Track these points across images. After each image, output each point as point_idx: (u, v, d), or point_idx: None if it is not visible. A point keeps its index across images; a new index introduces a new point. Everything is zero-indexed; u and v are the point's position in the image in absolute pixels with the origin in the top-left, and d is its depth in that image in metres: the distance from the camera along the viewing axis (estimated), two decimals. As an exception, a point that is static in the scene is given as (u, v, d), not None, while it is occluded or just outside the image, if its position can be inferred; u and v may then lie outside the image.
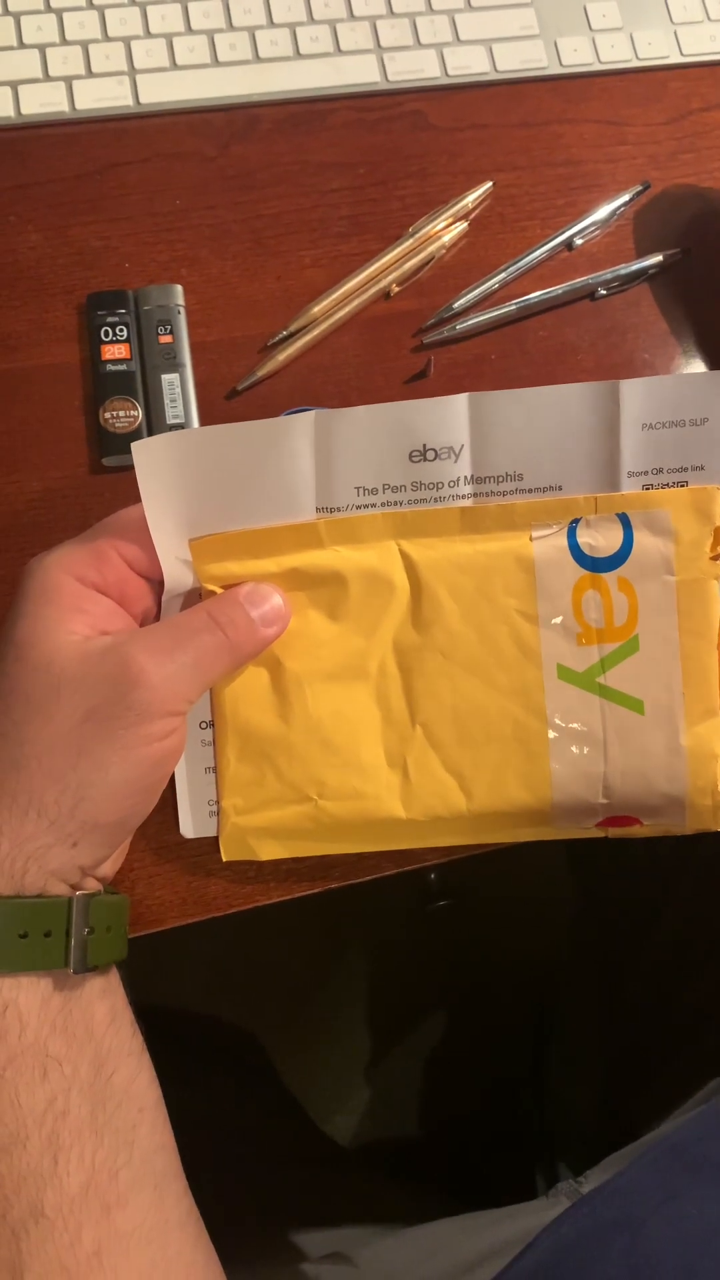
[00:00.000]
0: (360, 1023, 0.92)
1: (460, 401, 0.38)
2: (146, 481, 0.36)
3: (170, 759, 0.35)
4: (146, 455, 0.36)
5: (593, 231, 0.53)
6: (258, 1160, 0.63)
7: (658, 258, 0.52)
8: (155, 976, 0.78)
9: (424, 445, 0.38)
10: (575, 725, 0.40)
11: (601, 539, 0.39)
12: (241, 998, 0.87)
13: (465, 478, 0.39)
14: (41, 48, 0.53)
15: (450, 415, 0.38)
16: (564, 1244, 0.41)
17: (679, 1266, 0.37)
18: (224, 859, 0.41)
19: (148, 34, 0.53)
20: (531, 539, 0.39)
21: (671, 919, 0.72)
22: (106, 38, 0.53)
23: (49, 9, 0.53)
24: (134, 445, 0.36)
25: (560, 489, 0.39)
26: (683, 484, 0.39)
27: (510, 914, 0.90)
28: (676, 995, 0.70)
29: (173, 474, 0.37)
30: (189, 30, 0.54)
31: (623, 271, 0.52)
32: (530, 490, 0.39)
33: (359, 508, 0.39)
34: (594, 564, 0.39)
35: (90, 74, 0.53)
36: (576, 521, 0.39)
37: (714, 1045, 0.63)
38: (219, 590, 0.38)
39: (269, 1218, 0.59)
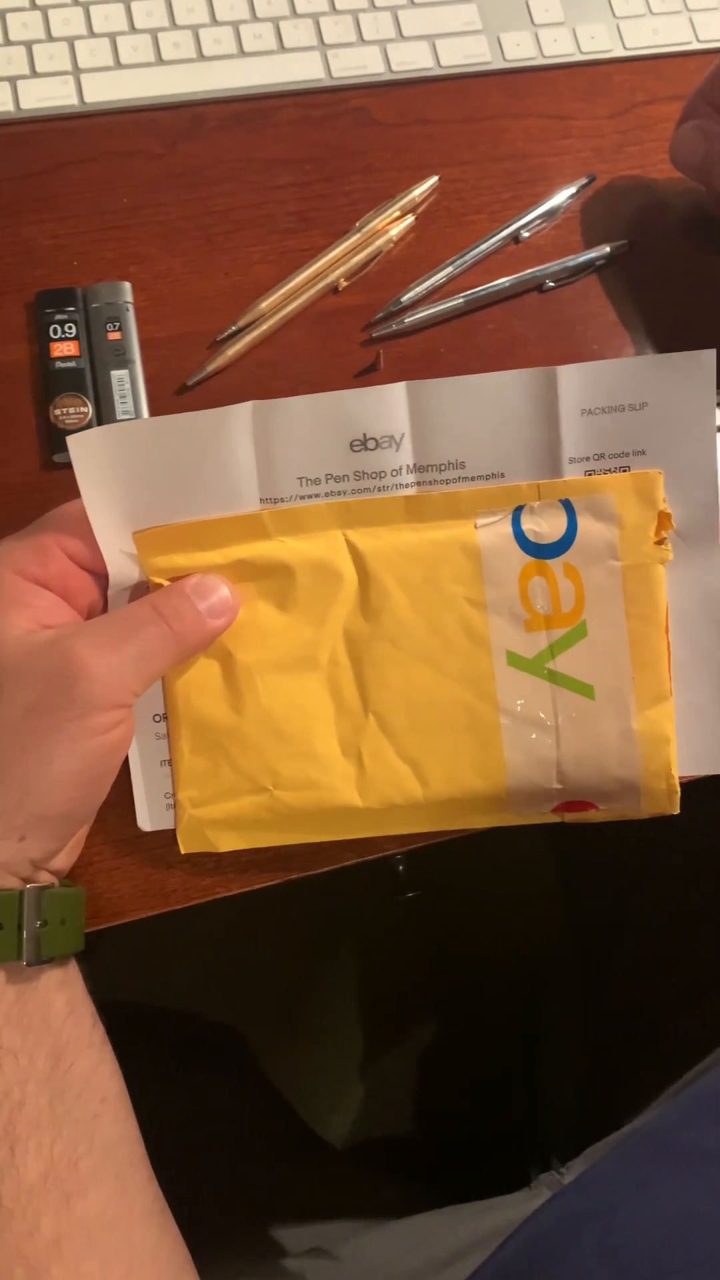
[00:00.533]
0: (350, 1019, 0.92)
1: (398, 390, 0.38)
2: (85, 475, 0.36)
3: (117, 751, 0.35)
4: (83, 449, 0.36)
5: (539, 224, 0.53)
6: (245, 1156, 0.63)
7: (605, 249, 0.53)
8: (145, 975, 0.78)
9: (364, 434, 0.38)
10: (527, 711, 0.40)
11: (546, 525, 0.39)
12: (230, 996, 0.87)
13: (407, 466, 0.39)
14: (-14, 48, 0.53)
15: (389, 404, 0.38)
16: (540, 1234, 0.41)
17: (649, 1254, 0.37)
18: (182, 851, 0.41)
19: (91, 34, 0.53)
20: (476, 527, 0.40)
21: (647, 909, 0.73)
22: (50, 38, 0.53)
23: (-8, 10, 0.53)
24: (69, 440, 0.36)
25: (503, 476, 0.39)
26: (625, 469, 0.39)
27: (496, 907, 0.90)
28: (655, 983, 0.71)
29: (111, 467, 0.37)
30: (132, 29, 0.54)
31: (570, 263, 0.52)
32: (473, 478, 0.39)
33: (303, 498, 0.39)
34: (539, 550, 0.40)
35: (35, 74, 0.53)
36: (520, 508, 0.39)
37: (692, 1032, 0.64)
38: (165, 583, 0.38)
39: (254, 1213, 0.59)
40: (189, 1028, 0.77)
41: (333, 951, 0.93)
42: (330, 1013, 0.92)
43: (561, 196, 0.54)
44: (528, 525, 0.40)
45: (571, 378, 0.38)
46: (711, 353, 0.38)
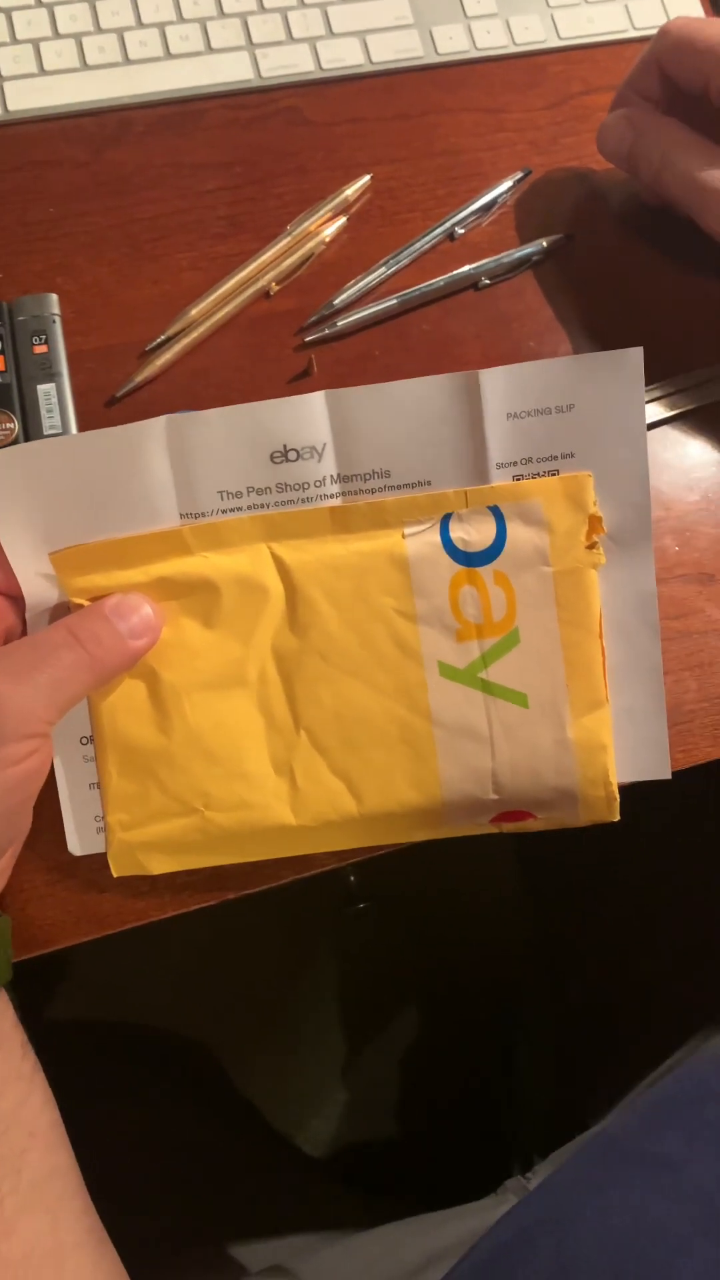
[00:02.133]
0: (328, 1023, 0.92)
1: (317, 400, 0.37)
2: None
3: (30, 781, 0.35)
4: None
5: (474, 220, 0.52)
6: (209, 1171, 0.63)
7: (541, 244, 0.52)
8: (117, 983, 0.78)
9: (284, 446, 0.37)
10: (461, 723, 0.39)
11: (474, 533, 0.39)
12: (207, 1001, 0.87)
13: (331, 477, 0.38)
14: None
15: (308, 414, 0.37)
16: (499, 1245, 0.40)
17: (603, 1264, 0.37)
18: (114, 875, 0.40)
19: (13, 40, 0.52)
20: (404, 536, 0.39)
21: (610, 906, 0.72)
22: (-29, 45, 0.52)
23: None
24: (-25, 463, 0.35)
25: (429, 484, 0.38)
26: (554, 473, 0.39)
27: (467, 909, 0.90)
28: (618, 980, 0.70)
29: (23, 488, 0.36)
30: (56, 35, 0.53)
31: (505, 260, 0.51)
32: (399, 487, 0.38)
33: (224, 512, 0.38)
34: (468, 559, 0.39)
35: (-44, 83, 0.52)
36: (449, 516, 0.39)
37: (657, 1027, 0.63)
38: (86, 603, 0.37)
39: (215, 1230, 0.58)
40: (161, 1036, 0.76)
41: (309, 956, 0.92)
42: (306, 1017, 0.92)
43: (496, 191, 0.53)
44: (456, 533, 0.39)
45: (495, 381, 0.37)
46: (639, 351, 0.37)
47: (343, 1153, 0.86)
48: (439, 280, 0.50)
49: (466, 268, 0.51)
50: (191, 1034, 0.79)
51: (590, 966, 0.75)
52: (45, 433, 0.46)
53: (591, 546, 0.39)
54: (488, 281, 0.51)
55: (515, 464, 0.38)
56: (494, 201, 0.53)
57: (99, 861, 0.41)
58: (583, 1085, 0.72)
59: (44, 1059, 0.39)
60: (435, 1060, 0.90)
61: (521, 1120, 0.81)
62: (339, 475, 0.38)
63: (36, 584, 0.37)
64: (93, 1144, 0.40)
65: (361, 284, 0.50)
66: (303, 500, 0.38)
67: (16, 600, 0.37)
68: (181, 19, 0.54)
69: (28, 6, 0.53)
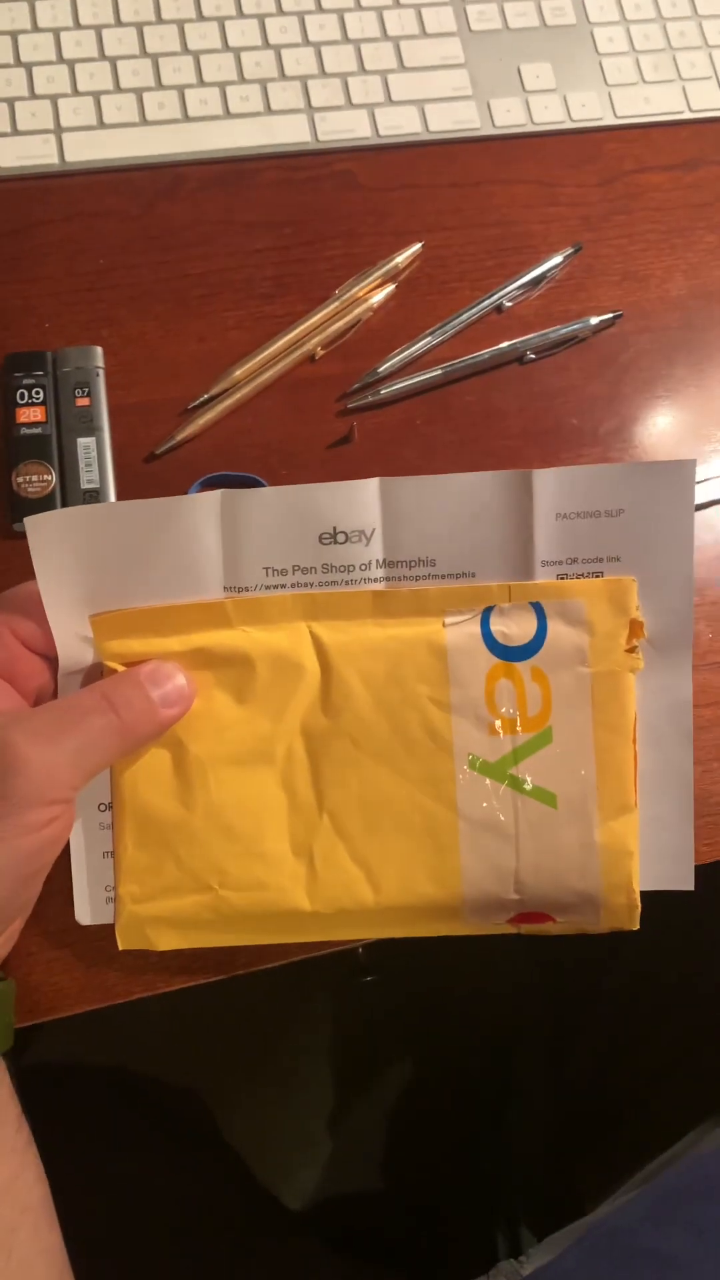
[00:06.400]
0: (322, 1077, 0.90)
1: (371, 486, 0.37)
2: (41, 557, 0.35)
3: (50, 847, 0.34)
4: (40, 531, 0.35)
5: (523, 294, 0.52)
6: (200, 1233, 0.61)
7: (589, 321, 0.52)
8: (108, 1021, 0.76)
9: (334, 528, 0.37)
10: (487, 818, 0.39)
11: (515, 627, 0.38)
12: (200, 1045, 0.86)
13: (377, 561, 0.38)
14: (-36, 101, 0.52)
15: (361, 499, 0.37)
16: None
17: None
18: (120, 948, 0.39)
19: (75, 92, 0.52)
20: (444, 625, 0.38)
21: (618, 980, 0.71)
22: (33, 95, 0.52)
23: (-27, 62, 0.52)
24: (26, 521, 0.35)
25: (474, 575, 0.38)
26: (598, 574, 0.38)
27: (473, 974, 0.89)
28: (624, 1057, 0.69)
29: (70, 550, 0.36)
30: (117, 89, 0.53)
31: (552, 335, 0.51)
32: (443, 576, 0.38)
33: (268, 588, 0.38)
34: (507, 652, 0.38)
35: (15, 132, 0.52)
36: (490, 609, 0.38)
37: (660, 1111, 0.62)
38: (120, 668, 0.37)
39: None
40: (146, 1075, 0.75)
41: (305, 1004, 0.91)
42: (298, 1063, 0.90)
43: (546, 265, 0.53)
44: (497, 626, 0.38)
45: (547, 481, 0.37)
46: (692, 462, 0.37)
47: (327, 1210, 0.85)
48: (484, 353, 0.50)
49: (512, 341, 0.51)
50: (178, 1074, 0.77)
51: (593, 1041, 0.74)
52: (83, 487, 0.46)
53: (631, 650, 0.38)
54: (533, 356, 0.51)
55: (561, 563, 0.38)
56: (543, 275, 0.53)
57: (105, 929, 0.40)
58: (576, 1160, 0.71)
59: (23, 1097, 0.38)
60: (426, 1117, 0.89)
61: (510, 1187, 0.79)
62: (385, 560, 0.38)
63: (73, 645, 0.37)
64: (68, 1188, 0.38)
65: (407, 353, 0.50)
66: (347, 582, 0.38)
67: (51, 660, 0.37)
68: (243, 79, 0.54)
69: (92, 59, 0.53)
